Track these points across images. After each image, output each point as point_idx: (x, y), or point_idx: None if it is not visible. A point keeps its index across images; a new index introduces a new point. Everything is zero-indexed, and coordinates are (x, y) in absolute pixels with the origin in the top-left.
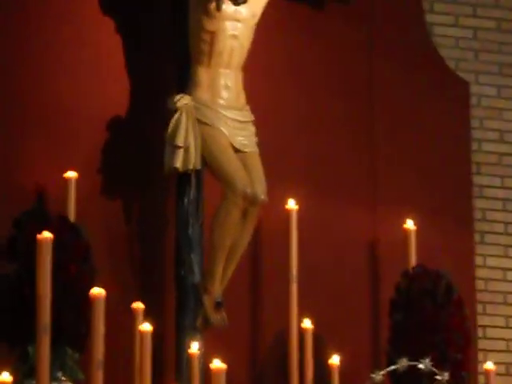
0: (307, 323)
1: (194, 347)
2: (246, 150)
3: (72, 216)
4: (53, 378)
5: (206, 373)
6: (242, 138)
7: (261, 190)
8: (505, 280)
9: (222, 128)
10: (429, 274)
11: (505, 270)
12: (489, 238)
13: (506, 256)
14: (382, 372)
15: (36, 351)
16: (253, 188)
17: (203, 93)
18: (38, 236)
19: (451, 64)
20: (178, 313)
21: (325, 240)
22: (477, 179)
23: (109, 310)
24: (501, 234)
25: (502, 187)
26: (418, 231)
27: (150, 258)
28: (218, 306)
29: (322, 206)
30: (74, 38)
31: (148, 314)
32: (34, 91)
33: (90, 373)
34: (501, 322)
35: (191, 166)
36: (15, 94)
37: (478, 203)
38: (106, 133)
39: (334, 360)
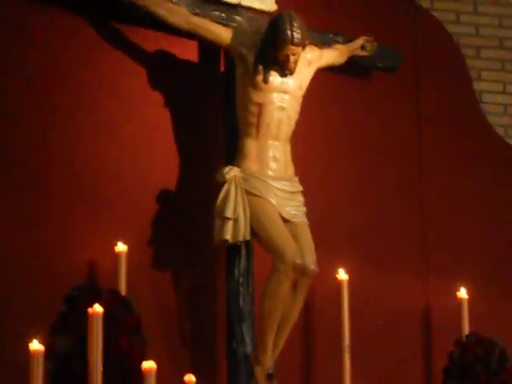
0: None
1: None
2: (295, 220)
3: (123, 289)
4: None
5: None
6: (290, 209)
7: (311, 260)
8: None
9: (270, 199)
10: (482, 342)
11: None
12: None
13: None
14: None
15: None
16: (303, 258)
17: (252, 164)
18: (89, 310)
19: (500, 131)
20: None
21: (377, 309)
22: None
23: (160, 383)
24: None
25: None
26: (470, 299)
27: (201, 330)
28: (269, 377)
29: (373, 275)
30: (124, 112)
31: None
32: (82, 165)
33: None
34: None
35: (241, 238)
36: (64, 167)
37: None
38: (156, 205)
39: None
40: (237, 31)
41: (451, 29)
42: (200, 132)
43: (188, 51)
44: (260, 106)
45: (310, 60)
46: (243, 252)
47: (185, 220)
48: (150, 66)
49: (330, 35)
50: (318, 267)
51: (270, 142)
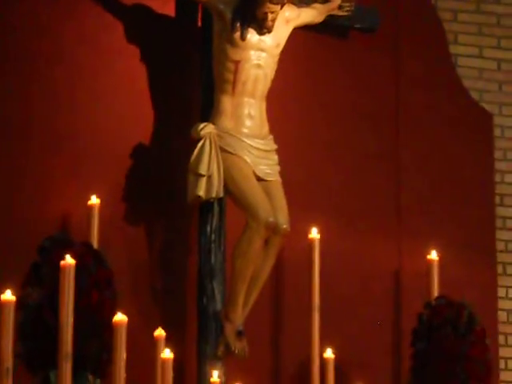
0: (329, 353)
1: (215, 375)
2: (268, 178)
3: (95, 242)
4: None
5: None
6: (264, 167)
7: (283, 219)
8: None
9: (245, 157)
10: (451, 305)
11: None
12: (511, 270)
13: None
14: None
15: (58, 378)
16: (275, 217)
17: (227, 121)
18: (61, 262)
19: (475, 95)
20: (200, 341)
21: (348, 269)
22: (500, 211)
23: (130, 337)
24: None
25: None
26: (441, 262)
27: (172, 286)
28: (239, 334)
29: (345, 235)
30: (101, 66)
31: (169, 342)
32: (58, 118)
33: None
34: None
35: (214, 194)
36: (39, 121)
37: (501, 235)
38: (130, 160)
39: None
40: None
41: None
42: (176, 87)
43: (166, 5)
44: (237, 63)
45: (288, 18)
46: (216, 209)
47: (158, 175)
48: (127, 20)
49: None
50: (290, 226)
51: (246, 99)
